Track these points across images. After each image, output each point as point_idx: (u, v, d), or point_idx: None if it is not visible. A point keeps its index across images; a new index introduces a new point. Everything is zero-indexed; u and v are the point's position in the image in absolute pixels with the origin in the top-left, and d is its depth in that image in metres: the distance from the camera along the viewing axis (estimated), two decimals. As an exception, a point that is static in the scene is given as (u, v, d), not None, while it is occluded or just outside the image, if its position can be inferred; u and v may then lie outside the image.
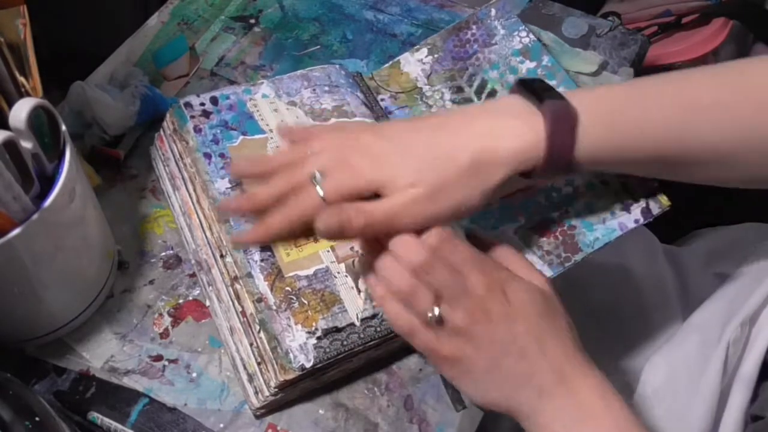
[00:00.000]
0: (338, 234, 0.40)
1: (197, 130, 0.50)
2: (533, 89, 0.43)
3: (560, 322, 0.42)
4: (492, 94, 0.56)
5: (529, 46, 0.58)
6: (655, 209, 0.50)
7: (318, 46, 0.64)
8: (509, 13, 0.59)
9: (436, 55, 0.59)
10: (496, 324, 0.39)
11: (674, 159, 0.44)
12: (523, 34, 0.58)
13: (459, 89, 0.57)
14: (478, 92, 0.57)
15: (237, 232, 0.46)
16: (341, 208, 0.40)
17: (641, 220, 0.49)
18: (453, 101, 0.57)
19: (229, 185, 0.48)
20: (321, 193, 0.41)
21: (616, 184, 0.50)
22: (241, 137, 0.50)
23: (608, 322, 0.66)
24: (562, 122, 0.41)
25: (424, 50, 0.59)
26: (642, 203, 0.49)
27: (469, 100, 0.56)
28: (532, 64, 0.57)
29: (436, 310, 0.39)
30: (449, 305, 0.39)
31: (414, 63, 0.59)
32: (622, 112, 0.43)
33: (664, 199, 0.50)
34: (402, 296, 0.40)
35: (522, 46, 0.58)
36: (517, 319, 0.40)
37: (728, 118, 0.43)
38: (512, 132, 0.42)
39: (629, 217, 0.49)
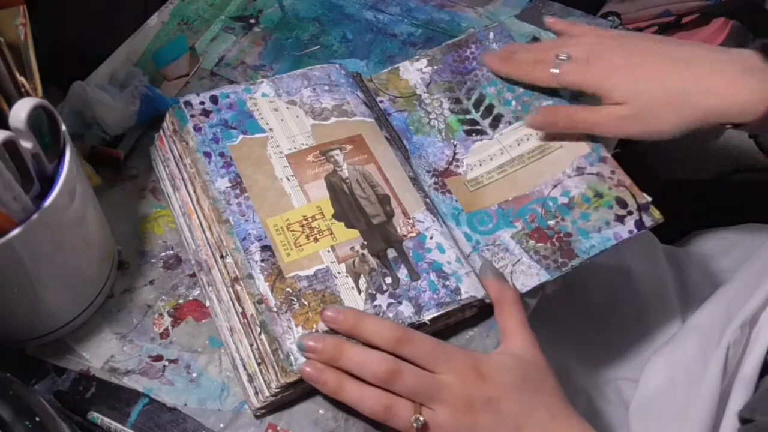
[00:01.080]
0: (549, 120, 0.54)
1: (197, 129, 0.50)
2: None
3: (540, 383, 0.44)
4: (489, 108, 0.57)
5: None
6: (648, 222, 0.50)
7: (318, 46, 0.64)
8: (507, 37, 0.60)
9: (435, 67, 0.59)
10: (481, 412, 0.41)
11: None
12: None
13: (457, 100, 0.57)
14: (476, 105, 0.57)
15: (487, 53, 0.58)
16: (550, 111, 0.54)
17: (635, 231, 0.50)
18: (451, 110, 0.57)
19: (229, 184, 0.48)
20: (555, 71, 0.52)
21: (610, 197, 0.51)
22: (242, 136, 0.50)
23: (608, 322, 0.66)
24: None
25: (424, 61, 0.59)
26: (635, 216, 0.50)
27: (467, 112, 0.57)
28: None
29: (420, 418, 0.40)
30: (429, 407, 0.41)
31: (413, 71, 0.59)
32: None
33: (656, 213, 0.51)
34: (381, 417, 0.41)
35: None
36: (500, 400, 0.41)
37: None
38: (745, 88, 0.48)
39: (623, 228, 0.50)
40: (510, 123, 0.56)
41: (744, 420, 0.46)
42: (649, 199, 0.51)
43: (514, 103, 0.56)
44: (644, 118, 0.50)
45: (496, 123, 0.56)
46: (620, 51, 0.52)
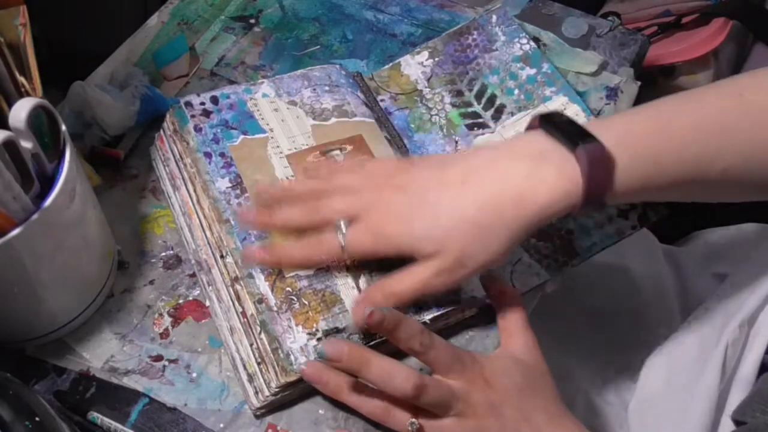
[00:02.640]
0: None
1: (197, 129, 0.50)
2: (558, 127, 0.42)
3: (539, 385, 0.44)
4: (491, 99, 0.56)
5: (530, 53, 0.58)
6: (652, 216, 0.50)
7: (318, 46, 0.64)
8: (510, 20, 0.60)
9: (436, 59, 0.59)
10: (484, 417, 0.41)
11: (699, 182, 0.43)
12: (524, 41, 0.58)
13: (459, 93, 0.57)
14: (478, 96, 0.57)
15: (248, 248, 0.45)
16: (370, 298, 0.43)
17: (638, 227, 0.50)
18: (453, 104, 0.57)
19: (229, 185, 0.48)
20: (343, 243, 0.43)
21: None
22: (242, 136, 0.50)
23: (607, 322, 0.66)
24: (599, 167, 0.40)
25: (425, 53, 0.59)
26: (639, 210, 0.50)
27: (469, 104, 0.56)
28: (532, 71, 0.57)
29: (416, 422, 0.40)
30: (441, 415, 0.41)
31: (414, 65, 0.59)
32: (648, 146, 0.42)
33: (660, 207, 0.50)
34: (380, 418, 0.41)
35: (522, 52, 0.58)
36: (502, 405, 0.42)
37: (731, 137, 0.42)
38: (545, 181, 0.40)
39: (626, 224, 0.50)
40: (512, 114, 0.55)
41: (737, 422, 0.46)
42: None
43: (516, 92, 0.56)
44: (467, 258, 0.42)
45: (498, 114, 0.56)
46: (401, 196, 0.43)
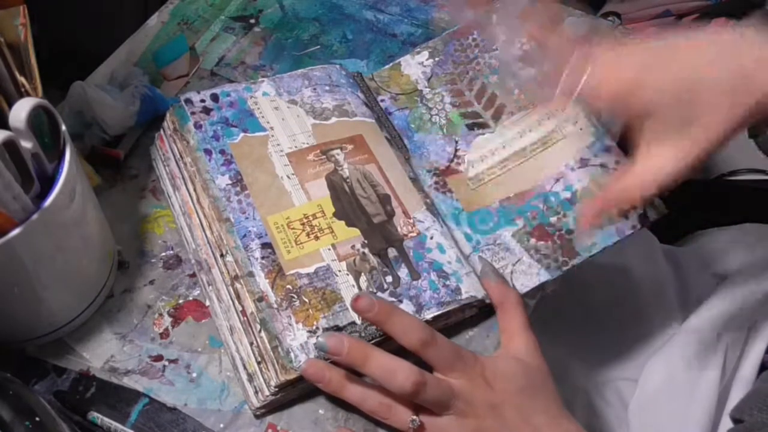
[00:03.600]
0: None
1: (198, 126, 0.50)
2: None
3: (540, 387, 0.44)
4: (492, 98, 0.56)
5: (530, 52, 0.58)
6: (653, 215, 0.50)
7: (318, 46, 0.64)
8: (511, 20, 0.60)
9: (437, 59, 0.59)
10: (485, 417, 0.41)
11: None
12: (524, 40, 0.58)
13: (459, 93, 0.57)
14: (478, 96, 0.57)
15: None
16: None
17: (638, 226, 0.50)
18: (453, 104, 0.57)
19: (229, 182, 0.48)
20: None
21: None
22: (242, 134, 0.50)
23: (607, 322, 0.66)
24: None
25: (425, 53, 0.59)
26: (639, 209, 0.50)
27: (469, 104, 0.56)
28: (532, 70, 0.57)
29: (417, 420, 0.40)
30: (440, 413, 0.41)
31: (415, 65, 0.59)
32: None
33: (661, 206, 0.50)
34: (381, 416, 0.41)
35: (522, 52, 0.58)
36: (503, 406, 0.42)
37: None
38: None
39: (627, 223, 0.50)
40: (512, 113, 0.55)
41: (735, 420, 0.46)
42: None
43: (516, 91, 0.56)
44: (707, 127, 0.42)
45: (498, 114, 0.56)
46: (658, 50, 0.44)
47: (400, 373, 0.40)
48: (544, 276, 0.49)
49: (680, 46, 0.43)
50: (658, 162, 0.43)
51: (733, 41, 0.42)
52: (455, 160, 0.54)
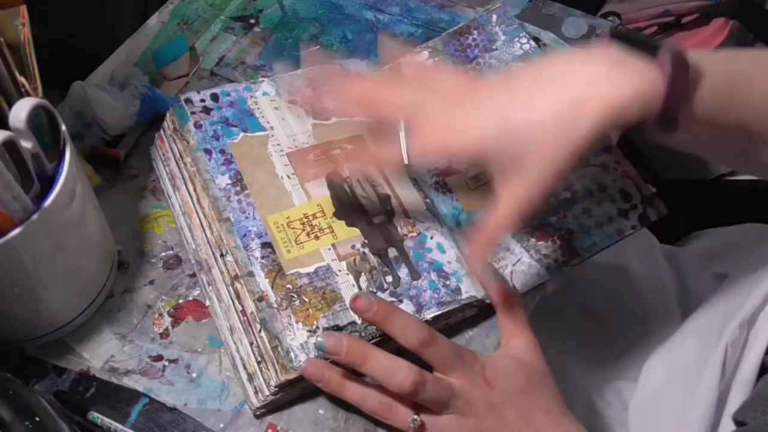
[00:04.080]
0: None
1: (198, 126, 0.50)
2: (634, 41, 0.41)
3: (540, 387, 0.44)
4: None
5: (530, 52, 0.58)
6: (653, 215, 0.50)
7: (318, 46, 0.64)
8: (510, 19, 0.60)
9: (436, 58, 0.59)
10: (485, 417, 0.41)
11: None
12: (524, 40, 0.58)
13: None
14: None
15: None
16: (476, 247, 0.43)
17: (638, 226, 0.50)
18: None
19: (229, 181, 0.48)
20: (403, 147, 0.42)
21: (613, 191, 0.51)
22: (242, 134, 0.50)
23: (607, 322, 0.66)
24: (681, 73, 0.38)
25: (425, 53, 0.59)
26: (639, 209, 0.50)
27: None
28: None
29: (417, 419, 0.40)
30: (439, 412, 0.41)
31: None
32: (728, 73, 0.40)
33: (661, 206, 0.50)
34: (381, 415, 0.41)
35: (522, 52, 0.58)
36: (504, 405, 0.42)
37: None
38: (624, 84, 0.38)
39: (626, 223, 0.50)
40: None
41: (738, 422, 0.46)
42: (654, 190, 0.50)
43: None
44: (548, 162, 0.39)
45: None
46: (475, 102, 0.42)
47: (400, 372, 0.40)
48: (544, 276, 0.49)
49: (515, 86, 0.41)
50: (510, 193, 0.41)
51: (574, 66, 0.40)
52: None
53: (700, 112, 0.39)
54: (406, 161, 0.42)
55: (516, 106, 0.40)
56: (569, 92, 0.38)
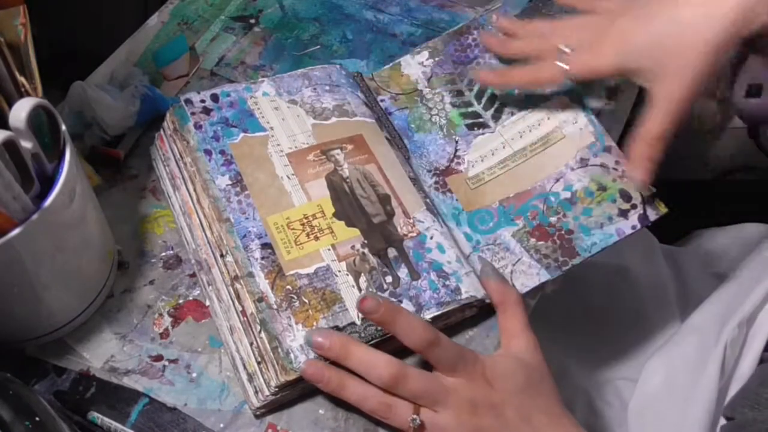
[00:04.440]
0: None
1: (198, 126, 0.50)
2: None
3: (540, 387, 0.44)
4: (492, 98, 0.56)
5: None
6: (653, 215, 0.50)
7: (318, 46, 0.64)
8: (510, 18, 0.59)
9: (436, 59, 0.59)
10: (485, 416, 0.41)
11: None
12: None
13: (459, 93, 0.57)
14: (478, 96, 0.57)
15: (482, 70, 0.56)
16: (635, 153, 0.48)
17: (638, 226, 0.49)
18: (453, 104, 0.57)
19: (229, 182, 0.48)
20: (565, 66, 0.50)
21: (614, 190, 0.51)
22: (242, 134, 0.50)
23: (607, 322, 0.66)
24: None
25: (425, 53, 0.59)
26: (639, 209, 0.50)
27: (469, 104, 0.56)
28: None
29: (417, 419, 0.40)
30: (432, 409, 0.41)
31: (415, 65, 0.59)
32: None
33: (661, 206, 0.50)
34: (381, 415, 0.41)
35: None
36: (504, 405, 0.42)
37: None
38: None
39: (627, 223, 0.50)
40: (512, 113, 0.55)
41: (728, 418, 0.46)
42: (654, 190, 0.50)
43: (517, 91, 0.56)
44: (686, 69, 0.45)
45: (498, 114, 0.56)
46: (627, 18, 0.48)
47: (379, 364, 0.41)
48: (544, 276, 0.49)
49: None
50: (665, 94, 0.46)
51: None
52: (455, 160, 0.54)
53: None
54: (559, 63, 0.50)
55: (659, 16, 0.46)
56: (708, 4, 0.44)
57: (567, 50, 0.50)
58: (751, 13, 0.43)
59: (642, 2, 0.48)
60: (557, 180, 0.52)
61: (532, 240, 0.50)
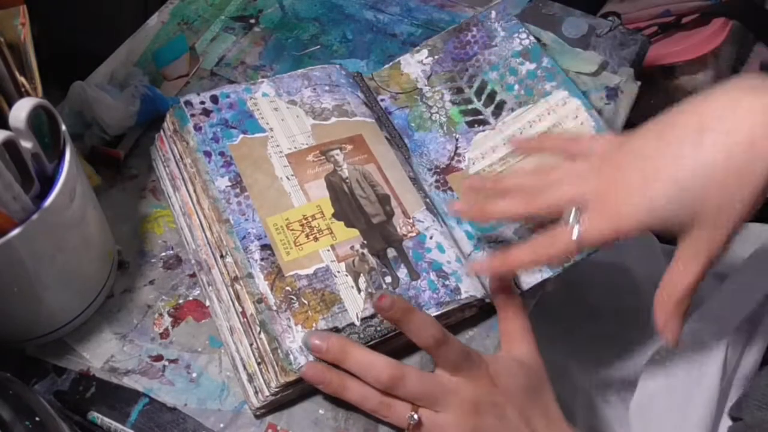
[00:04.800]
0: None
1: (197, 128, 0.50)
2: None
3: (539, 389, 0.44)
4: (492, 95, 0.56)
5: (529, 47, 0.58)
6: None
7: (318, 46, 0.64)
8: (509, 15, 0.60)
9: (436, 57, 0.59)
10: (486, 415, 0.41)
11: None
12: (523, 36, 0.58)
13: (459, 90, 0.57)
14: (478, 93, 0.57)
15: (474, 263, 0.47)
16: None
17: None
18: (453, 102, 0.57)
19: (229, 184, 0.48)
20: (575, 234, 0.40)
21: None
22: (242, 136, 0.50)
23: (608, 322, 0.66)
24: None
25: (425, 51, 0.59)
26: None
27: (469, 101, 0.56)
28: (531, 66, 0.57)
29: (415, 415, 0.41)
30: (432, 409, 0.41)
31: (414, 64, 0.59)
32: None
33: None
34: (381, 414, 0.41)
35: (522, 47, 0.58)
36: (505, 405, 0.42)
37: None
38: None
39: None
40: (512, 110, 0.55)
41: (734, 419, 0.46)
42: None
43: (516, 87, 0.56)
44: (726, 215, 0.37)
45: (498, 111, 0.56)
46: (630, 165, 0.40)
47: (378, 366, 0.41)
48: (547, 272, 0.49)
49: (677, 132, 0.38)
50: (695, 260, 0.39)
51: (725, 115, 0.36)
52: (456, 158, 0.54)
53: None
54: (575, 238, 0.40)
55: (681, 158, 0.37)
56: (738, 132, 0.35)
57: (573, 216, 0.41)
58: None
59: (640, 144, 0.40)
60: None
61: (534, 236, 0.50)
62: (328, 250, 0.46)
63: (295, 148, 0.51)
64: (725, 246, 0.38)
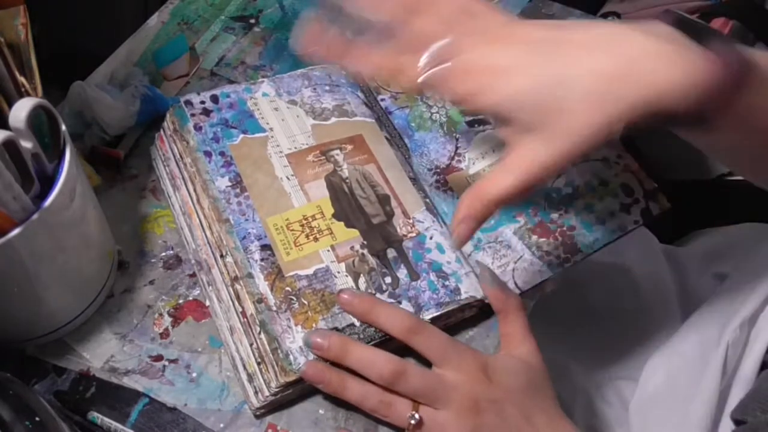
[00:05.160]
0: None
1: (197, 128, 0.50)
2: (691, 26, 0.37)
3: (540, 388, 0.44)
4: None
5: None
6: (655, 210, 0.50)
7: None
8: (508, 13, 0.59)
9: None
10: (485, 413, 0.41)
11: None
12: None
13: None
14: None
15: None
16: (467, 209, 0.40)
17: (641, 221, 0.49)
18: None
19: (229, 184, 0.48)
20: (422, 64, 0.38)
21: (615, 185, 0.51)
22: (242, 135, 0.50)
23: (607, 322, 0.66)
24: (734, 69, 0.35)
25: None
26: (642, 204, 0.50)
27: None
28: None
29: (416, 415, 0.41)
30: (432, 406, 0.41)
31: None
32: None
33: (663, 201, 0.50)
34: (381, 414, 0.41)
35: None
36: (504, 402, 0.42)
37: None
38: (675, 63, 0.35)
39: (629, 218, 0.49)
40: None
41: (737, 421, 0.46)
42: (656, 185, 0.50)
43: None
44: (576, 128, 0.36)
45: None
46: (506, 49, 0.38)
47: (379, 361, 0.41)
48: (546, 273, 0.49)
49: (562, 41, 0.37)
50: (527, 152, 0.38)
51: (626, 35, 0.36)
52: (456, 158, 0.54)
53: (741, 109, 0.36)
54: (419, 81, 0.39)
55: (566, 60, 0.36)
56: (622, 60, 0.35)
57: (435, 50, 0.39)
58: (661, 99, 0.35)
59: (527, 36, 0.39)
60: (558, 176, 0.52)
61: (534, 237, 0.50)
62: (328, 251, 0.46)
63: (296, 148, 0.51)
64: (554, 167, 0.37)
